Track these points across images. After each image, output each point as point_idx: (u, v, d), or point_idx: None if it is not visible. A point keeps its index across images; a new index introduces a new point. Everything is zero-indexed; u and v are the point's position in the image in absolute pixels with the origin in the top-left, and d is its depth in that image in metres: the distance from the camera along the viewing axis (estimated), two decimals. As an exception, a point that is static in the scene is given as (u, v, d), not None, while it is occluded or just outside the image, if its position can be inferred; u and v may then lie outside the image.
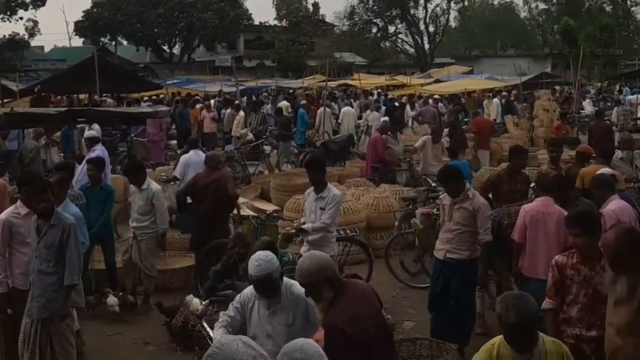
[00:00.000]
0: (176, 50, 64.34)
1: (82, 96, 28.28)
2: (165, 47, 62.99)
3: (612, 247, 4.55)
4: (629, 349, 4.17)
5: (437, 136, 13.84)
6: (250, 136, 18.76)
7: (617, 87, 36.91)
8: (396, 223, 10.65)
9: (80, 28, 56.60)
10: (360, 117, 21.80)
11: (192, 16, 55.23)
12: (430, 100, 24.98)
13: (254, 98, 29.07)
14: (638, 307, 4.39)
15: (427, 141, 13.71)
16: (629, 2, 69.06)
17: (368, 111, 20.60)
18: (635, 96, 27.19)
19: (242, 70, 51.89)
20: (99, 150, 11.24)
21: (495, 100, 24.89)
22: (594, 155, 9.96)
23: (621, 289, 4.46)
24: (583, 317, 5.05)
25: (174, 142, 21.10)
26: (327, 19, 70.15)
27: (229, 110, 22.86)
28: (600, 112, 18.20)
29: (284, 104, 24.30)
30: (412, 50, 68.75)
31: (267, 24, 67.46)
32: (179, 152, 17.22)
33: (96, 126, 14.83)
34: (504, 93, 26.23)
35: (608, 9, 67.70)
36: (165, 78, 33.89)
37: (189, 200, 9.59)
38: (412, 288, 9.10)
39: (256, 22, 67.86)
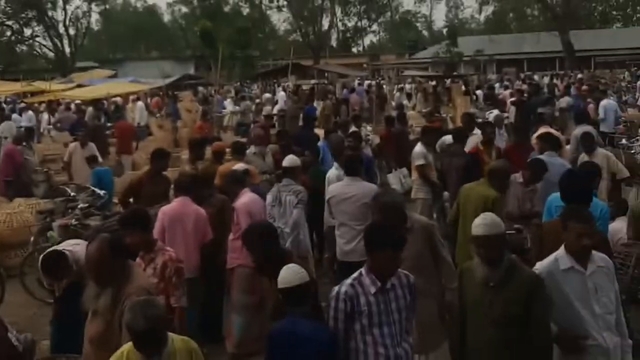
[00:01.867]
0: None
1: None
2: None
3: (95, 259, 4.36)
4: None
5: (84, 141, 13.34)
6: None
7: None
8: (32, 238, 10.01)
9: None
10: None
11: None
12: (73, 106, 24.02)
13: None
14: (112, 319, 4.33)
15: (74, 149, 13.18)
16: (264, 6, 74.26)
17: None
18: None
19: None
20: None
21: (140, 103, 24.83)
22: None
23: (105, 302, 4.37)
24: None
25: None
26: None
27: None
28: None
29: None
30: (51, 54, 65.52)
31: None
32: None
33: None
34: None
35: (245, 12, 71.85)
36: None
37: None
38: (51, 305, 8.62)
39: None
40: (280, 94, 28.81)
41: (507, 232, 4.89)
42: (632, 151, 12.95)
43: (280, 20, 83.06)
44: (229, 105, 26.44)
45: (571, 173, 6.37)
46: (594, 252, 4.50)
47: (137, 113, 23.48)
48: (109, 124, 20.56)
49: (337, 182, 8.01)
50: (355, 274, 4.41)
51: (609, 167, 9.00)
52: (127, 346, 3.88)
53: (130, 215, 5.74)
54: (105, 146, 16.09)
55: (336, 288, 4.39)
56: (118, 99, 26.97)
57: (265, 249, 4.99)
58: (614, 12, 77.01)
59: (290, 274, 4.44)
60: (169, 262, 5.36)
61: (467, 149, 10.27)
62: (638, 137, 14.60)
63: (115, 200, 10.47)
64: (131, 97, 28.49)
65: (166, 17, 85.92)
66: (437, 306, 5.58)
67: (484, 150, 10.36)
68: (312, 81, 38.53)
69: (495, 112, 16.02)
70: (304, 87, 31.59)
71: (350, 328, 4.31)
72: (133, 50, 71.91)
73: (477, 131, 11.38)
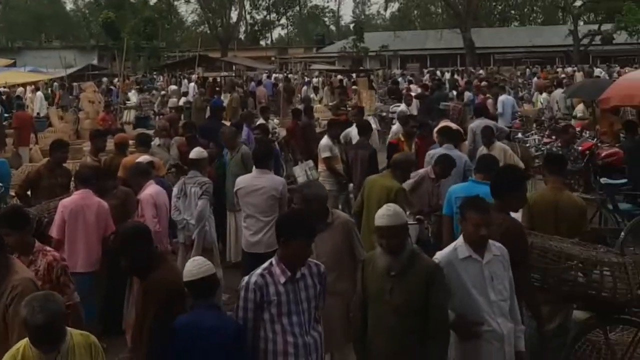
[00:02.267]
0: None
1: None
2: None
3: None
4: None
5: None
6: None
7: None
8: None
9: None
10: None
11: None
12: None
13: None
14: None
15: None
16: (171, -3, 72.86)
17: None
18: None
19: None
20: None
21: (39, 93, 24.08)
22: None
23: None
24: None
25: None
26: None
27: None
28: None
29: None
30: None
31: None
32: None
33: None
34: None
35: (153, 2, 70.31)
36: None
37: None
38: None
39: None
40: (190, 85, 28.52)
41: (409, 223, 5.02)
42: (527, 145, 13.49)
43: (187, 11, 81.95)
44: (133, 96, 25.94)
45: (503, 170, 6.50)
46: (490, 241, 4.66)
47: (36, 103, 22.74)
48: (6, 115, 19.76)
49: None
50: (265, 264, 4.42)
51: (506, 160, 9.33)
52: (23, 342, 3.75)
53: (5, 215, 5.32)
54: (2, 137, 15.51)
55: (246, 278, 4.39)
56: (20, 89, 25.98)
57: (137, 251, 4.81)
58: (513, 12, 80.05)
59: (195, 266, 4.41)
60: (54, 263, 5.11)
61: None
62: (533, 132, 15.24)
63: (12, 193, 10.07)
64: (29, 87, 27.50)
65: (69, 6, 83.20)
66: (346, 306, 5.56)
67: (405, 142, 10.60)
68: (223, 73, 38.23)
69: (402, 106, 16.39)
70: (211, 79, 31.31)
71: (260, 317, 4.32)
72: (33, 39, 69.13)
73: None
